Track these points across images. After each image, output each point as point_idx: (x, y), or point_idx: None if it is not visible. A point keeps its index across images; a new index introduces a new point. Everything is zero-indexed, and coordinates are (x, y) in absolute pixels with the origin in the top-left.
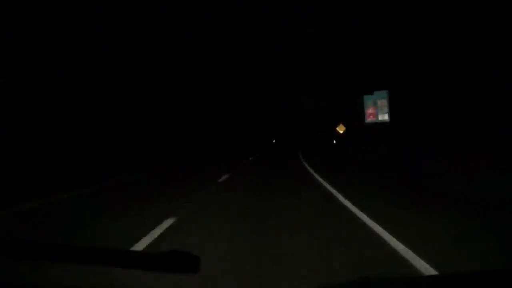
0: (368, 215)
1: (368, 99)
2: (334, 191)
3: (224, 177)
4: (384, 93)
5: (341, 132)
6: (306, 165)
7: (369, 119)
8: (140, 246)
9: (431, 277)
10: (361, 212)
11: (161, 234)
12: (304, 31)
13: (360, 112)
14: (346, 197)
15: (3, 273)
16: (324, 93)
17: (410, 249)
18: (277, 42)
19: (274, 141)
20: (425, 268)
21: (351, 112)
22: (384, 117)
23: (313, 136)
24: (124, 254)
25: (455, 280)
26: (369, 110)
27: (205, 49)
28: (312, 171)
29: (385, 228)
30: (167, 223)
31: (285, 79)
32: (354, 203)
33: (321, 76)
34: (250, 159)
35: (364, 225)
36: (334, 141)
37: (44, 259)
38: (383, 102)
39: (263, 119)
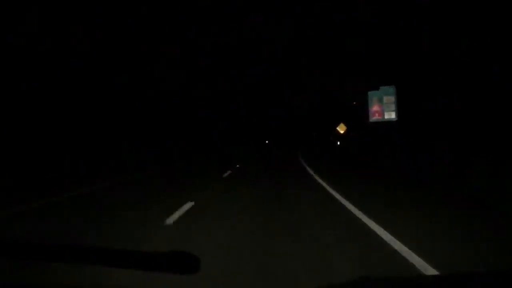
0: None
1: (373, 95)
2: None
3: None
4: (391, 88)
5: (342, 132)
6: (315, 175)
7: (374, 117)
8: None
9: (431, 277)
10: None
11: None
12: (303, 25)
13: (363, 110)
14: (351, 201)
15: (3, 273)
16: (324, 90)
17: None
18: (276, 36)
19: (267, 141)
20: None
21: (353, 110)
22: (391, 115)
23: (313, 136)
24: (124, 254)
25: (455, 280)
26: (374, 108)
27: (204, 48)
28: (320, 180)
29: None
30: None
31: (283, 77)
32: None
33: (321, 71)
34: (237, 166)
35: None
36: (338, 142)
37: (44, 259)
38: (390, 99)
39: (261, 119)
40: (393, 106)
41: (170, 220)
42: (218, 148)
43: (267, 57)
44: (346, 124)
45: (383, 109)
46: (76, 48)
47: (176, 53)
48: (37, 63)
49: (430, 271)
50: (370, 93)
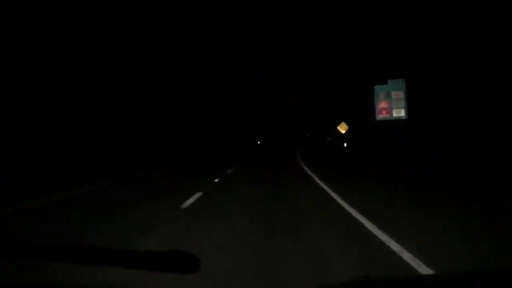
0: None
1: (379, 90)
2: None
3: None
4: (400, 82)
5: (343, 132)
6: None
7: (381, 115)
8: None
9: (431, 276)
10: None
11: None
12: (303, 25)
13: (369, 107)
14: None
15: (3, 273)
16: (324, 89)
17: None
18: (276, 36)
19: (259, 142)
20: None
21: (357, 107)
22: (400, 113)
23: (307, 137)
24: (124, 254)
25: (454, 280)
26: (381, 104)
27: (204, 48)
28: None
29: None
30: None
31: (282, 77)
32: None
33: (321, 71)
34: (228, 172)
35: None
36: (345, 144)
37: (44, 259)
38: (399, 94)
39: (260, 119)
40: (402, 103)
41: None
42: (215, 149)
43: (267, 57)
44: (347, 123)
45: (391, 105)
46: (76, 48)
47: (176, 53)
48: (37, 63)
49: (429, 271)
50: (376, 87)
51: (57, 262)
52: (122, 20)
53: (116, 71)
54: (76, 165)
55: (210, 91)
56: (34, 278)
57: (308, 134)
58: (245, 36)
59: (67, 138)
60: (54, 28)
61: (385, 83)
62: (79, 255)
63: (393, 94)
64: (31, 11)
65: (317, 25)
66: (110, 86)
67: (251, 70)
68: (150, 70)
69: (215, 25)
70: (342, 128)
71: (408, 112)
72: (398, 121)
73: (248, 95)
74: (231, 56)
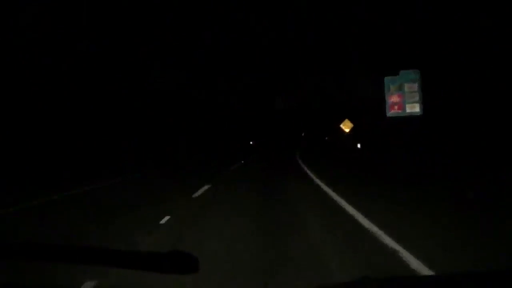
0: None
1: (390, 83)
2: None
3: None
4: (413, 73)
5: (347, 130)
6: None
7: (392, 111)
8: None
9: (430, 277)
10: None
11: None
12: (303, 22)
13: (379, 101)
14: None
15: (3, 273)
16: (323, 88)
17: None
18: (276, 35)
19: (251, 142)
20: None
21: (365, 102)
22: (414, 108)
23: (302, 137)
24: (124, 254)
25: (454, 280)
26: (393, 99)
27: (203, 48)
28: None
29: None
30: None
31: (281, 77)
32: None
33: (325, 52)
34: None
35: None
36: (359, 145)
37: (45, 259)
38: (413, 87)
39: (259, 119)
40: (417, 96)
41: None
42: (208, 151)
43: (266, 57)
44: (352, 121)
45: (404, 100)
46: (75, 48)
47: (175, 53)
48: (37, 63)
49: (429, 272)
50: (386, 79)
51: (57, 262)
52: (121, 20)
53: (116, 71)
54: (74, 166)
55: (210, 91)
56: (34, 278)
57: (303, 134)
58: (244, 39)
59: (67, 138)
60: (54, 27)
61: (397, 73)
62: (79, 255)
63: (406, 86)
64: (31, 11)
65: (317, 20)
66: (109, 86)
67: (251, 70)
68: (150, 70)
69: (214, 25)
70: (346, 126)
71: (424, 107)
72: (412, 117)
73: (247, 94)
74: (231, 56)
